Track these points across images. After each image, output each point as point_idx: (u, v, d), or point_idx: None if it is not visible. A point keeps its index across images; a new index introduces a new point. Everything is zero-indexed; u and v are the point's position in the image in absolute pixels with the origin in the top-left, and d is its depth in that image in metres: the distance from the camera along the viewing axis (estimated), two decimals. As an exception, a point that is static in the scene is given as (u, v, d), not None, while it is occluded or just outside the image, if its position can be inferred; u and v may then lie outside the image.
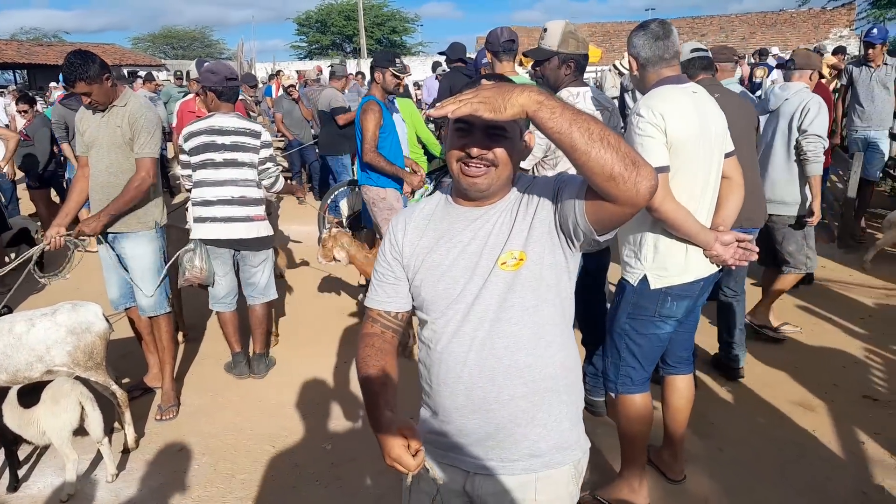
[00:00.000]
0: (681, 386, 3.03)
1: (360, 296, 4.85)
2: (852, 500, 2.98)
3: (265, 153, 4.09)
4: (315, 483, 3.22)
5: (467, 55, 6.49)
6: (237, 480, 3.25)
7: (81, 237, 3.64)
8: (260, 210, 4.13)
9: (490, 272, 1.53)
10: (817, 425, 3.58)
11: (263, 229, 4.15)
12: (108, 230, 3.70)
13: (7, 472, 3.24)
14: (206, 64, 4.39)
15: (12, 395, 3.11)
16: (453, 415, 1.60)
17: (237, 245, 4.10)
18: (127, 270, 3.82)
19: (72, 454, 3.08)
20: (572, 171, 1.82)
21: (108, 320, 3.50)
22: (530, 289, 1.53)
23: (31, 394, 3.11)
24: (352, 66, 26.05)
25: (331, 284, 6.12)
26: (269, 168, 4.12)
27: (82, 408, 3.10)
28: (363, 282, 4.90)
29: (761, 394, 3.92)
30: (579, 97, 3.20)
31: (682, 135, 2.51)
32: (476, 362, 1.55)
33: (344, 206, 6.58)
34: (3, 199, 7.83)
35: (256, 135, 4.06)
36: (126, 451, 3.48)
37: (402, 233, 1.69)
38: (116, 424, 3.60)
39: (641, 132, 2.50)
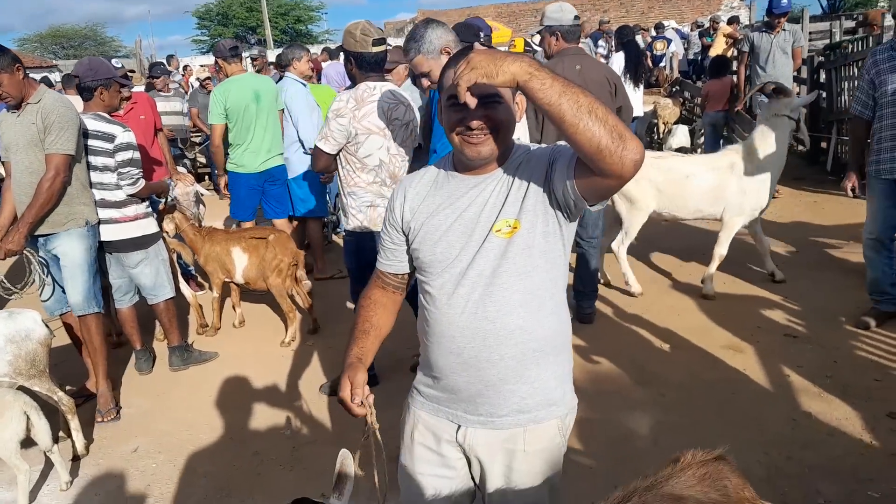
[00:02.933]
0: None
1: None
2: (784, 428, 3.25)
3: (122, 156, 3.87)
4: (279, 468, 3.23)
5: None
6: (198, 474, 3.22)
7: (9, 255, 3.49)
8: (126, 212, 3.98)
9: (485, 238, 1.60)
10: (747, 365, 3.87)
11: (132, 230, 4.02)
12: (38, 234, 3.56)
13: (-51, 493, 3.09)
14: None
15: None
16: (446, 371, 1.68)
17: (107, 247, 3.98)
18: (60, 271, 3.68)
19: (22, 465, 2.96)
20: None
21: (48, 326, 3.38)
22: (523, 255, 1.60)
23: None
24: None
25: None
26: (129, 171, 3.91)
27: (28, 418, 2.99)
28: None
29: (695, 341, 4.19)
30: (376, 90, 3.33)
31: None
32: (468, 324, 1.62)
33: None
34: None
35: (109, 138, 3.83)
36: (76, 459, 3.37)
37: (402, 200, 1.75)
38: (62, 433, 3.48)
39: None
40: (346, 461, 1.55)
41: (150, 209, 4.17)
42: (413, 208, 1.72)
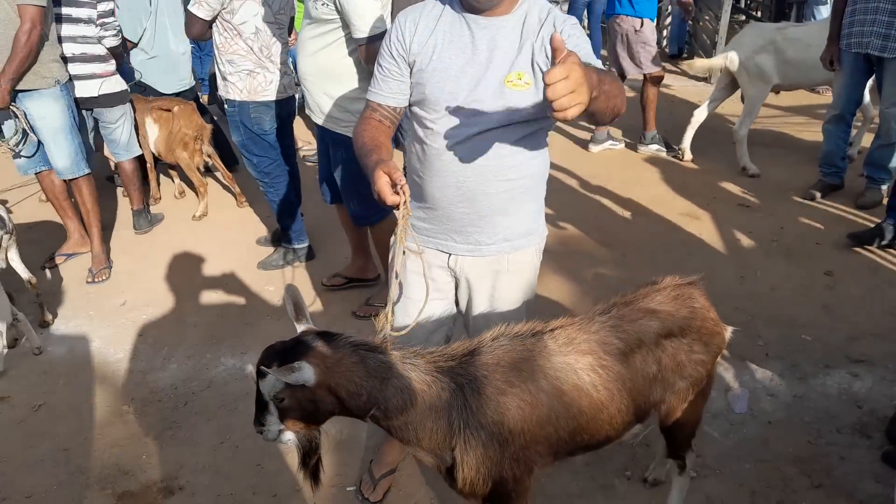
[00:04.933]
0: None
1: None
2: (733, 283, 3.56)
3: (104, 7, 3.83)
4: (266, 318, 3.41)
5: None
6: (188, 324, 3.38)
7: None
8: (107, 67, 3.95)
9: (494, 86, 1.69)
10: (702, 230, 4.15)
11: (113, 85, 4.00)
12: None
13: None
14: None
15: None
16: (442, 202, 1.83)
17: (87, 104, 3.93)
18: (35, 132, 3.61)
19: None
20: None
21: (3, 219, 3.17)
22: (528, 108, 1.70)
23: None
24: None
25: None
26: (111, 22, 3.90)
27: None
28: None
29: (654, 209, 4.43)
30: None
31: None
32: (469, 160, 1.76)
33: None
34: None
35: None
36: (45, 325, 3.39)
37: (412, 31, 1.76)
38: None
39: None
40: (293, 292, 1.67)
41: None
42: (422, 41, 1.75)
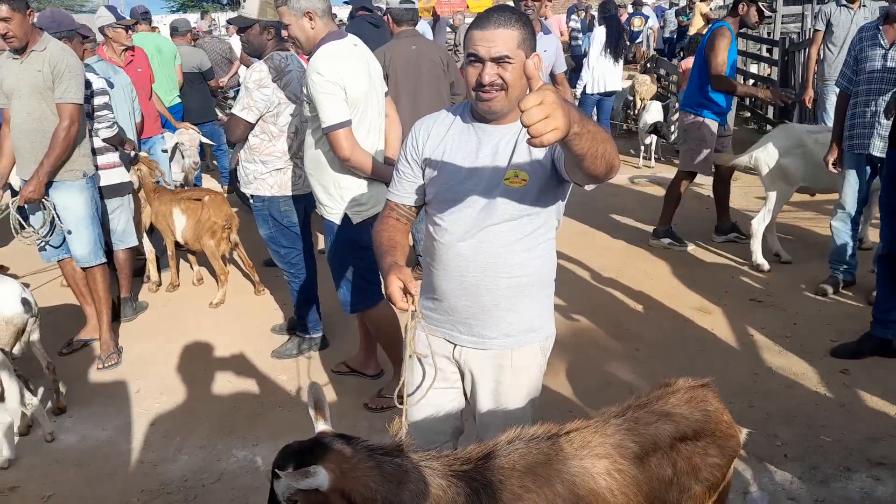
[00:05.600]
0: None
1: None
2: (747, 380, 3.53)
3: (99, 101, 4.06)
4: (278, 408, 3.41)
5: (373, 3, 6.54)
6: (201, 414, 3.38)
7: (29, 202, 3.61)
8: (106, 159, 4.15)
9: (496, 185, 1.83)
10: (714, 324, 4.15)
11: (112, 177, 4.19)
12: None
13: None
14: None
15: None
16: (447, 295, 1.94)
17: None
18: (61, 221, 3.75)
19: (3, 418, 2.96)
20: None
21: (27, 303, 3.26)
22: (526, 204, 1.84)
23: None
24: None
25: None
26: (105, 115, 4.11)
27: None
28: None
29: (666, 303, 4.46)
30: (290, 60, 3.50)
31: (357, 89, 2.90)
32: (472, 256, 1.87)
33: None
34: None
35: (86, 84, 3.91)
36: (60, 412, 3.40)
37: (424, 138, 1.95)
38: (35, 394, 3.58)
39: (323, 90, 2.80)
40: (316, 390, 1.72)
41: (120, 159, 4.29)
42: (433, 147, 1.92)
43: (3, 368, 2.95)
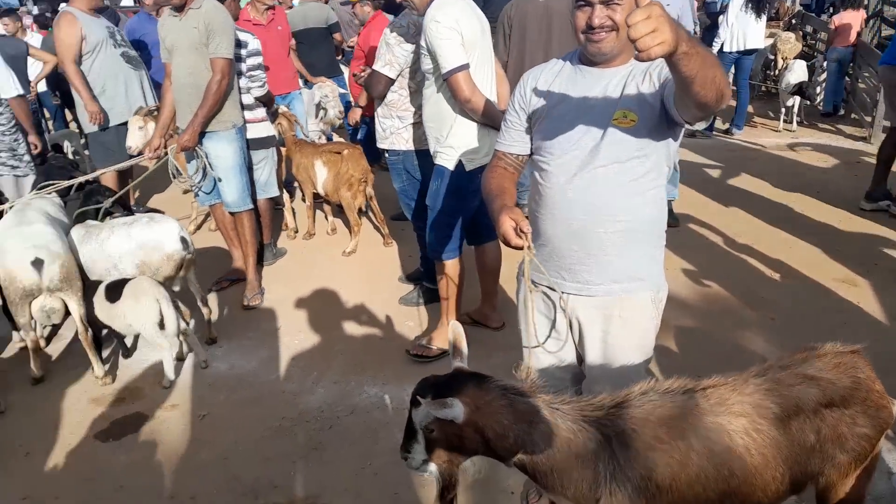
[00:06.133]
0: (491, 250, 3.56)
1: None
2: (892, 365, 3.29)
3: (252, 61, 4.25)
4: (405, 352, 3.54)
5: None
6: (335, 351, 3.60)
7: (184, 150, 3.94)
8: (255, 113, 4.36)
9: (604, 127, 1.83)
10: (861, 297, 3.88)
11: (259, 130, 4.41)
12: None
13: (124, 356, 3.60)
14: None
15: (101, 291, 3.32)
16: (552, 239, 1.95)
17: None
18: (213, 169, 4.06)
19: (165, 343, 3.29)
20: None
21: (185, 240, 3.56)
22: (635, 146, 1.82)
23: (118, 288, 3.30)
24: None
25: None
26: (258, 75, 4.30)
27: (159, 304, 3.24)
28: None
29: (807, 272, 4.20)
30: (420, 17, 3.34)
31: (472, 35, 2.93)
32: (579, 199, 1.87)
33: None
34: (48, 115, 8.00)
35: (242, 44, 4.17)
36: (213, 342, 3.72)
37: (532, 85, 1.97)
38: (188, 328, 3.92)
39: (441, 36, 2.86)
40: (456, 329, 1.76)
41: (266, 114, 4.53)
42: (540, 93, 1.94)
43: (164, 300, 3.28)
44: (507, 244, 1.83)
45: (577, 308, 1.99)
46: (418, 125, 3.62)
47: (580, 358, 2.10)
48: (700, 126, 2.01)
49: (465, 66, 2.91)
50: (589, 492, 1.60)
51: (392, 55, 3.47)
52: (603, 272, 1.92)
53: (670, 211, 4.56)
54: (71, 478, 2.71)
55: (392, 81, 3.53)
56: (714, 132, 7.75)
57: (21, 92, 4.76)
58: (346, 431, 2.94)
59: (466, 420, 1.55)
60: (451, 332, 1.74)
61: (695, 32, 5.69)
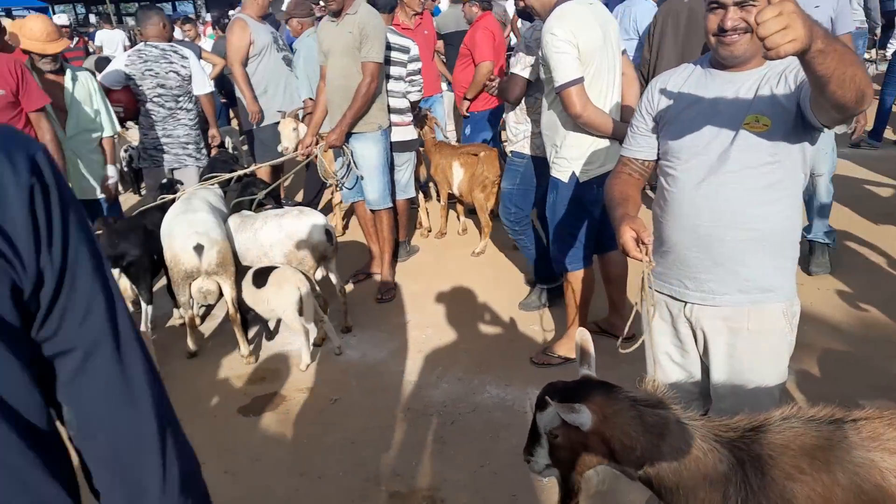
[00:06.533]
0: (616, 259, 3.48)
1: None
2: None
3: (414, 66, 4.40)
4: (528, 355, 3.53)
5: None
6: (460, 349, 3.67)
7: (332, 148, 4.17)
8: (404, 117, 4.47)
9: (734, 131, 1.75)
10: None
11: (405, 134, 4.51)
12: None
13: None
14: None
15: (249, 276, 3.57)
16: (677, 246, 1.88)
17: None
18: (357, 167, 4.26)
19: (303, 328, 3.49)
20: None
21: (329, 233, 3.78)
22: (768, 151, 1.74)
23: (264, 275, 3.53)
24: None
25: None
26: (418, 80, 4.45)
27: (299, 292, 3.44)
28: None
29: None
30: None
31: (590, 46, 2.87)
32: (707, 205, 1.80)
33: None
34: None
35: (405, 50, 4.32)
36: (347, 330, 3.91)
37: (661, 89, 1.93)
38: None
39: (557, 49, 2.82)
40: (584, 336, 1.73)
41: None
42: (668, 98, 1.88)
43: (305, 288, 3.49)
44: (627, 255, 1.80)
45: (702, 318, 1.91)
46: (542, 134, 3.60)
47: (707, 372, 2.01)
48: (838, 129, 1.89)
49: (578, 81, 2.85)
50: (716, 515, 1.52)
51: (531, 58, 3.47)
52: (730, 282, 1.84)
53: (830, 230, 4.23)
54: (214, 447, 2.96)
55: (529, 84, 3.53)
56: (881, 142, 7.07)
57: (212, 90, 5.26)
58: (468, 428, 2.98)
59: (593, 428, 1.53)
60: (579, 338, 1.72)
61: (871, 33, 5.21)
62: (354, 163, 4.24)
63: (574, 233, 3.24)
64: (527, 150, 3.68)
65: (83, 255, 0.67)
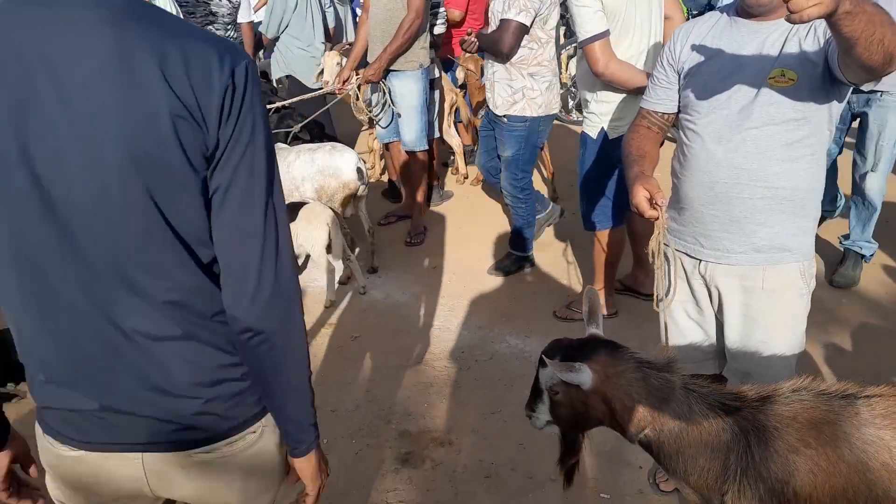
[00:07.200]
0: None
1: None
2: None
3: None
4: (552, 310, 3.50)
5: None
6: (487, 298, 3.65)
7: (368, 83, 4.09)
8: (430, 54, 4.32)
9: (758, 85, 1.67)
10: None
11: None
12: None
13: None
14: None
15: None
16: (695, 203, 1.82)
17: None
18: (394, 107, 4.19)
19: (329, 265, 3.51)
20: None
21: (361, 171, 3.74)
22: (793, 107, 1.66)
23: (294, 210, 3.49)
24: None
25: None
26: (440, 12, 4.48)
27: (328, 229, 3.45)
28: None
29: None
30: None
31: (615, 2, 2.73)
32: (726, 161, 1.73)
33: None
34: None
35: None
36: (374, 271, 3.93)
37: (683, 41, 1.85)
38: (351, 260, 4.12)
39: (578, 2, 2.68)
40: (592, 295, 1.70)
41: None
42: (691, 49, 1.80)
43: (334, 225, 3.51)
44: (641, 215, 1.74)
45: (717, 276, 1.86)
46: (551, 87, 3.43)
47: (722, 330, 1.96)
48: (866, 86, 1.77)
49: (601, 36, 2.71)
50: (715, 483, 1.50)
51: (526, 0, 3.20)
52: (745, 240, 1.79)
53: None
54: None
55: (526, 31, 3.27)
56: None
57: (252, 19, 5.21)
58: (483, 375, 2.99)
59: (594, 388, 1.51)
60: (587, 298, 1.69)
61: None
62: (392, 100, 4.16)
63: (602, 190, 3.15)
64: (529, 112, 3.43)
65: (245, 138, 0.99)
